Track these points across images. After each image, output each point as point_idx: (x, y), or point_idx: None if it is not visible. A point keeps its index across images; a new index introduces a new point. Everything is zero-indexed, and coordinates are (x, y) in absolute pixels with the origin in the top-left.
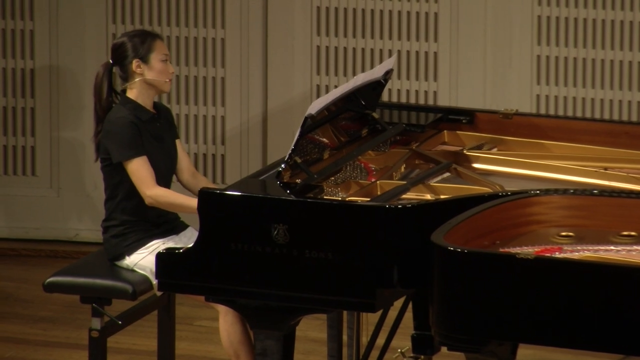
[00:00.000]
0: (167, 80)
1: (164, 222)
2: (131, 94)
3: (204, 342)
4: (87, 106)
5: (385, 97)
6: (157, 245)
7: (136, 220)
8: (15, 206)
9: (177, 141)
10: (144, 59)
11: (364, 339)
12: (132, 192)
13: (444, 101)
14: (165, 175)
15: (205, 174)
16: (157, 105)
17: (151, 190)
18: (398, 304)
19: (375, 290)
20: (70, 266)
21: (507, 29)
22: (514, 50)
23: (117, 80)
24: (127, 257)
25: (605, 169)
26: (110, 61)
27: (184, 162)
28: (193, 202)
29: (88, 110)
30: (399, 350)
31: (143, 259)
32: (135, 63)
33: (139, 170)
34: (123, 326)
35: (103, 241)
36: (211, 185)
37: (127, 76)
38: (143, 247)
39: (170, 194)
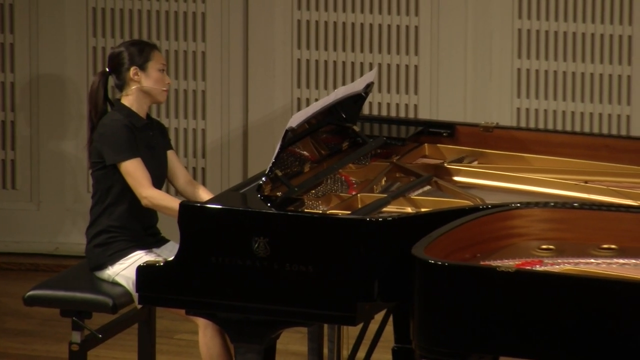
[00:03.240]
0: (163, 89)
1: (147, 235)
2: (126, 101)
3: (184, 356)
4: (68, 119)
5: (366, 110)
6: (139, 256)
7: (121, 227)
8: None
9: (172, 152)
10: (142, 67)
11: (345, 353)
12: (121, 198)
13: (424, 114)
14: (154, 184)
15: None
16: (151, 119)
17: (147, 191)
18: (379, 317)
19: (356, 304)
20: (51, 279)
21: (488, 42)
22: (494, 64)
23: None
24: (109, 267)
25: (586, 182)
26: (107, 69)
27: (179, 170)
28: None
29: (68, 124)
30: None
31: (124, 270)
32: (132, 71)
33: (135, 171)
34: (103, 340)
35: (86, 251)
36: (209, 194)
37: (123, 84)
38: (125, 258)
39: (166, 196)
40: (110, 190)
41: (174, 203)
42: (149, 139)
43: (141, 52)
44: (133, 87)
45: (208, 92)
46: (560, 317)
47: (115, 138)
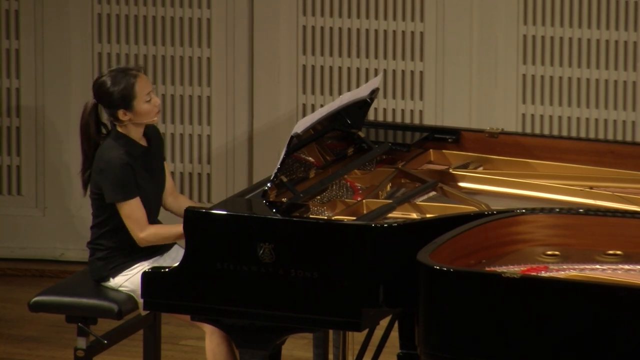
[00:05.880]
0: (155, 116)
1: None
2: (121, 129)
3: None
4: (73, 126)
5: (371, 116)
6: (143, 266)
7: (121, 247)
8: (1, 225)
9: (165, 163)
10: (130, 107)
11: (350, 359)
12: (121, 226)
13: (429, 120)
14: (154, 203)
15: (190, 193)
16: (147, 133)
17: (144, 232)
18: (384, 323)
19: (361, 310)
20: (56, 285)
21: (493, 48)
22: (500, 70)
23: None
24: (111, 279)
25: (591, 188)
26: (94, 101)
27: (167, 184)
28: (181, 227)
29: (73, 130)
30: None
31: (127, 281)
32: (121, 112)
33: (133, 212)
34: (108, 345)
35: (88, 262)
36: (193, 204)
37: (115, 119)
38: (128, 269)
39: (160, 229)
40: (110, 219)
41: (169, 231)
42: (148, 162)
43: (126, 90)
44: (126, 123)
45: (213, 98)
46: (565, 323)
47: (114, 177)
